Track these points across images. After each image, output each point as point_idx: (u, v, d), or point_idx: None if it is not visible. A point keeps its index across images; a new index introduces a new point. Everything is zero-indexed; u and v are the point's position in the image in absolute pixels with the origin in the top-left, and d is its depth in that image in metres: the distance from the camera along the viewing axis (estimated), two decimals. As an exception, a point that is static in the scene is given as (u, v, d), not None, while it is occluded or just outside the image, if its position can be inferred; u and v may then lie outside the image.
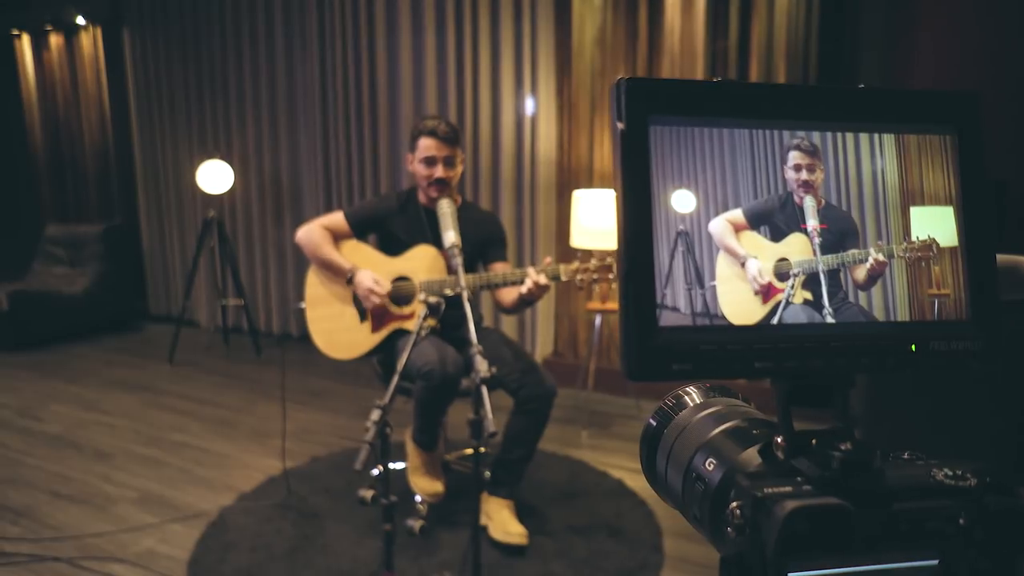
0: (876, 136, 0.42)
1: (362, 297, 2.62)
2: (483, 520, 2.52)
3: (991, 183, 0.42)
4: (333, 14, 4.73)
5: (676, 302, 0.39)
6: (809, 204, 0.42)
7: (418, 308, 2.59)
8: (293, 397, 3.99)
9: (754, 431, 0.46)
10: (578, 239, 3.60)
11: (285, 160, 5.21)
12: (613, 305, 3.86)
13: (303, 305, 2.77)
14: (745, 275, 0.41)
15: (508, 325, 4.36)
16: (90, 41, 6.07)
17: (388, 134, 4.69)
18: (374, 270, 2.67)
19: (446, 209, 2.27)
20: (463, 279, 2.11)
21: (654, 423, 0.53)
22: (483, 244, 2.76)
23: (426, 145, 2.64)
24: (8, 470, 3.19)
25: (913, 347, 0.41)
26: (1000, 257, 0.43)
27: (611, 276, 2.52)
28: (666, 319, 0.39)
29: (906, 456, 0.41)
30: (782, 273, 0.41)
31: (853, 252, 0.42)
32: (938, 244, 0.42)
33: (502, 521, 2.53)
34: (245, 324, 5.19)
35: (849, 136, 0.42)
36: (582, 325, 4.33)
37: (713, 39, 3.77)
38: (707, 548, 2.51)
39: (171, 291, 6.00)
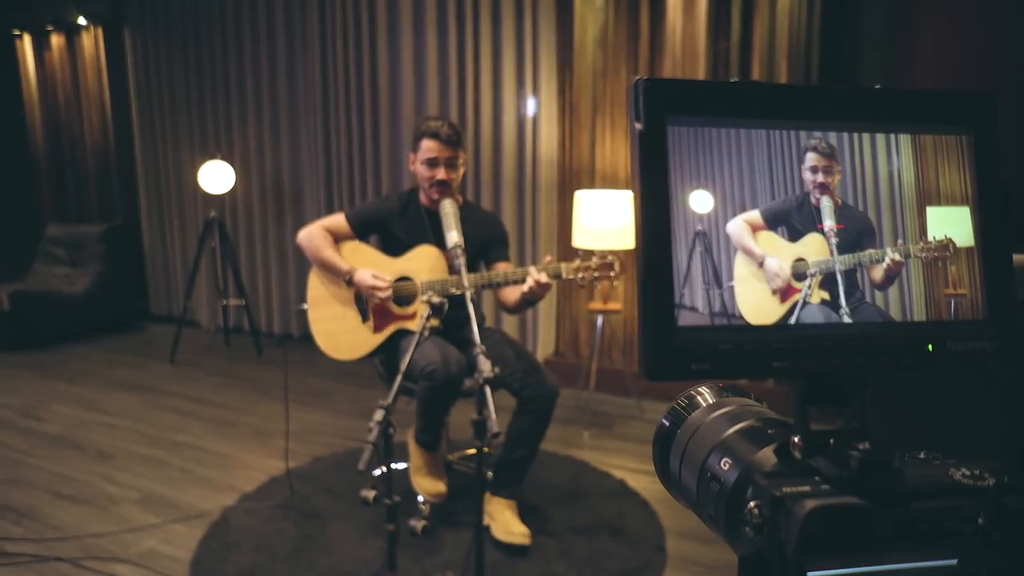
0: (893, 136, 0.42)
1: (366, 295, 2.62)
2: (485, 520, 2.52)
3: (1007, 183, 0.42)
4: (334, 14, 4.73)
5: (694, 302, 0.40)
6: (826, 204, 0.42)
7: (420, 308, 2.59)
8: (294, 397, 3.98)
9: (769, 431, 0.46)
10: (579, 239, 3.60)
11: (286, 160, 5.21)
12: (615, 305, 3.86)
13: (305, 306, 2.77)
14: (763, 275, 0.41)
15: (509, 325, 4.36)
16: (91, 41, 6.07)
17: (389, 134, 4.69)
18: (376, 270, 2.67)
19: (449, 210, 2.27)
20: (466, 279, 2.11)
21: (667, 423, 0.53)
22: (485, 244, 2.76)
23: (428, 147, 2.64)
24: (10, 470, 3.19)
25: (930, 347, 0.41)
26: (1016, 257, 0.44)
27: (612, 274, 2.53)
28: (684, 319, 0.39)
29: (922, 456, 0.41)
30: (799, 273, 0.41)
31: (870, 252, 0.42)
32: (954, 244, 0.42)
33: (505, 521, 2.53)
34: (246, 324, 5.19)
35: (866, 136, 0.42)
36: (584, 325, 4.33)
37: (715, 39, 3.77)
38: (709, 548, 2.52)
39: (172, 291, 6.00)
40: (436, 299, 2.02)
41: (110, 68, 5.99)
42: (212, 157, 4.95)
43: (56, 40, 6.24)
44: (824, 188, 0.42)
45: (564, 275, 2.48)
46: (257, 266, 5.46)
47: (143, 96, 5.77)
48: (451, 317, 2.14)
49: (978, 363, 0.42)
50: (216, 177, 4.88)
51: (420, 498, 2.62)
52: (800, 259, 0.42)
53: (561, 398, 2.62)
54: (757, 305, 0.41)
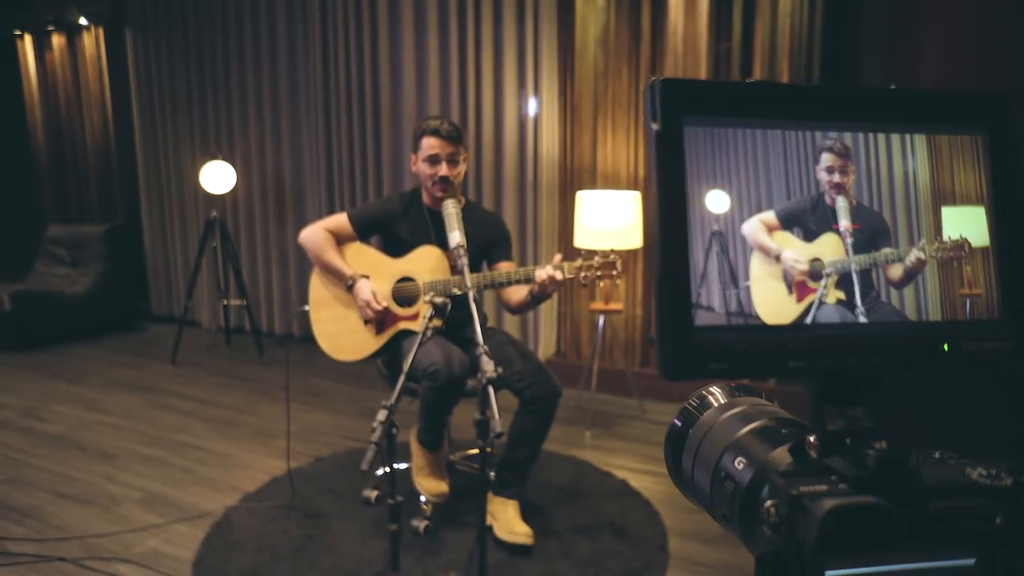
0: (908, 137, 0.42)
1: (359, 308, 2.63)
2: (488, 520, 2.52)
3: (1023, 183, 0.43)
4: (335, 14, 4.73)
5: (711, 302, 0.40)
6: (841, 204, 0.42)
7: (423, 309, 2.59)
8: (296, 398, 3.99)
9: (783, 430, 0.46)
10: (581, 239, 3.60)
11: (287, 160, 5.21)
12: (616, 306, 3.86)
13: (307, 308, 2.77)
14: (779, 274, 0.41)
15: (511, 325, 4.36)
16: (92, 41, 6.07)
17: (391, 134, 4.69)
18: (378, 271, 2.67)
19: (451, 210, 2.27)
20: (469, 279, 2.11)
21: (679, 423, 0.54)
22: (488, 244, 2.76)
23: (429, 144, 2.64)
24: (12, 470, 3.19)
25: (946, 347, 0.41)
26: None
27: (614, 273, 2.52)
28: (701, 319, 0.39)
29: (937, 456, 0.41)
30: (815, 273, 0.42)
31: (885, 252, 0.42)
32: (970, 244, 0.42)
33: (507, 521, 2.53)
34: (247, 324, 5.19)
35: (881, 137, 0.42)
36: (585, 325, 4.34)
37: (716, 40, 3.77)
38: (712, 548, 2.52)
39: (173, 291, 6.00)
40: (439, 299, 2.02)
41: (111, 68, 6.00)
42: (213, 157, 4.95)
43: (57, 40, 6.24)
44: (839, 188, 0.42)
45: (566, 274, 2.48)
46: (258, 266, 5.46)
47: (144, 96, 5.77)
48: (453, 317, 2.14)
49: (993, 363, 0.42)
50: (217, 177, 4.88)
51: (422, 498, 2.62)
52: (816, 259, 0.42)
53: (562, 398, 2.62)
54: (773, 305, 0.41)
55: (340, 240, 2.74)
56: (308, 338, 3.12)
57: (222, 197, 5.15)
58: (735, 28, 3.70)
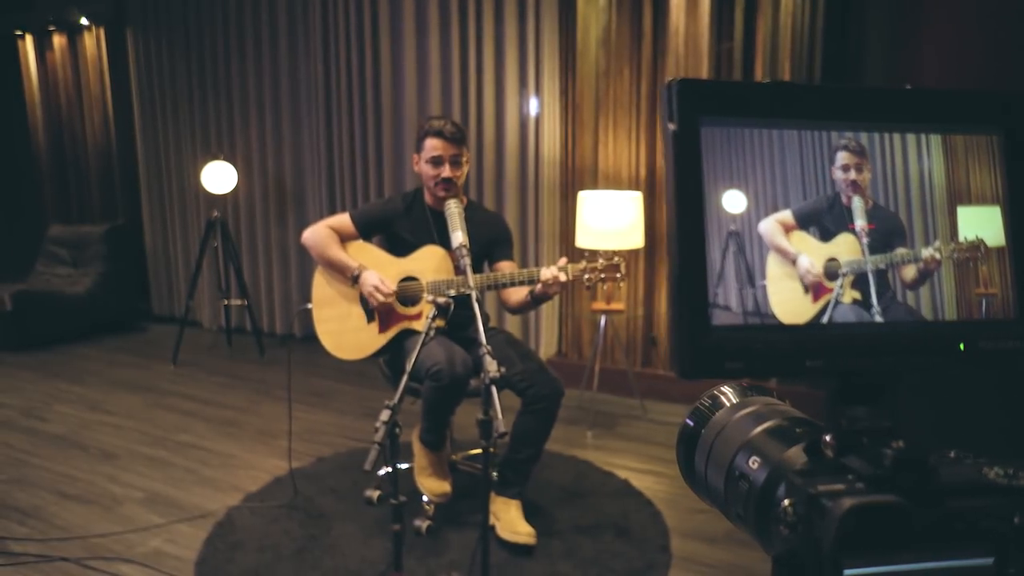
0: (923, 136, 0.42)
1: (366, 295, 2.62)
2: (490, 520, 2.52)
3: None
4: (337, 14, 4.73)
5: (728, 301, 0.40)
6: (857, 204, 0.42)
7: (426, 308, 2.59)
8: (297, 398, 3.99)
9: (797, 429, 0.46)
10: (583, 239, 3.60)
11: (288, 160, 5.21)
12: (618, 306, 3.86)
13: (309, 306, 2.77)
14: (795, 274, 0.41)
15: (512, 325, 4.36)
16: (93, 42, 6.07)
17: (392, 134, 4.69)
18: (381, 270, 2.67)
19: (454, 209, 2.27)
20: (472, 279, 2.11)
21: (691, 423, 0.54)
22: (489, 244, 2.76)
23: (433, 145, 2.64)
24: (14, 470, 3.19)
25: (962, 346, 0.41)
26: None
27: (618, 275, 2.52)
28: (718, 318, 0.39)
29: (952, 455, 0.41)
30: (831, 273, 0.42)
31: (901, 252, 0.42)
32: (985, 244, 0.42)
33: (510, 521, 2.53)
34: (248, 324, 5.19)
35: (896, 137, 0.42)
36: (586, 326, 4.34)
37: (718, 40, 3.77)
38: (714, 548, 2.52)
39: (174, 291, 6.00)
40: (442, 299, 2.02)
41: (112, 68, 5.99)
42: (214, 157, 4.95)
43: (58, 40, 6.24)
44: (855, 188, 0.42)
45: (570, 276, 2.48)
46: (259, 266, 5.46)
47: (145, 96, 5.77)
48: (456, 317, 2.14)
49: (1010, 362, 0.42)
50: (218, 177, 4.88)
51: (425, 498, 2.62)
52: (832, 259, 0.42)
53: (564, 398, 2.62)
54: (789, 304, 0.41)
55: (342, 239, 2.74)
56: (309, 338, 3.12)
57: (223, 197, 5.15)
58: (737, 28, 3.70)
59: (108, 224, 5.89)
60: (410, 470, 2.73)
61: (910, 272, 0.42)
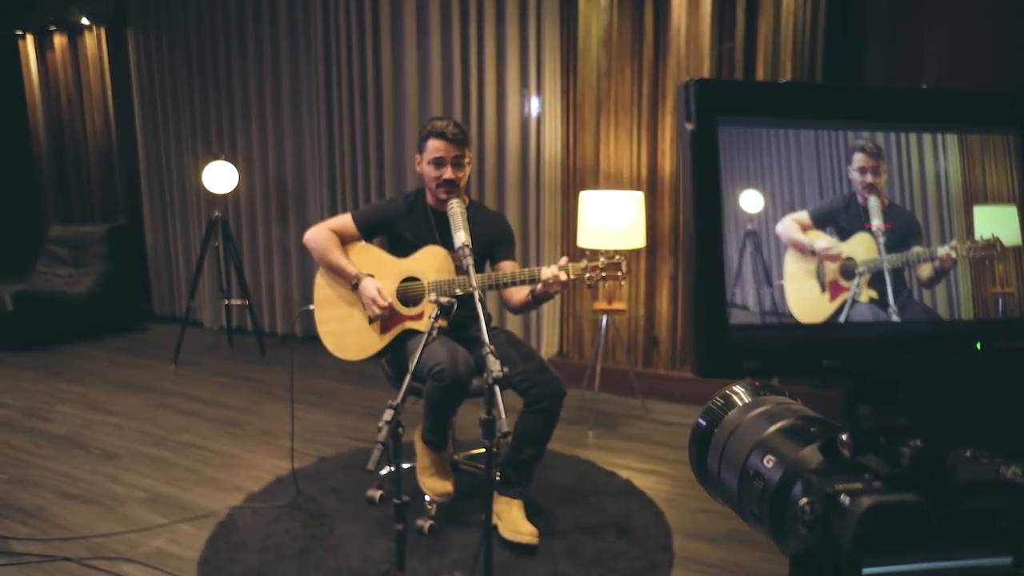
0: (939, 136, 0.43)
1: (364, 304, 2.63)
2: (493, 520, 2.52)
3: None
4: (338, 14, 4.73)
5: (745, 300, 0.40)
6: (873, 204, 0.42)
7: (428, 308, 2.59)
8: (299, 398, 3.99)
9: (811, 429, 0.46)
10: (584, 239, 3.60)
11: (289, 160, 5.21)
12: (619, 305, 3.87)
13: (311, 307, 2.77)
14: (812, 273, 0.41)
15: (513, 325, 4.36)
16: (94, 41, 6.07)
17: (393, 135, 4.69)
18: (383, 271, 2.67)
19: (456, 209, 2.27)
20: (475, 279, 2.11)
21: (703, 423, 0.54)
22: (491, 244, 2.76)
23: (435, 146, 2.64)
24: (16, 470, 3.19)
25: (979, 345, 0.41)
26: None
27: (619, 274, 2.52)
28: (736, 317, 0.40)
29: (968, 454, 0.41)
30: (848, 272, 0.42)
31: (917, 250, 0.42)
32: (1001, 243, 0.42)
33: (512, 521, 2.53)
34: (249, 324, 5.19)
35: (912, 136, 0.42)
36: (588, 325, 4.34)
37: (719, 40, 3.77)
38: (716, 548, 2.52)
39: (175, 291, 5.99)
40: (445, 299, 2.02)
41: (113, 68, 5.99)
42: (215, 157, 4.95)
43: (59, 40, 6.24)
44: (872, 188, 0.42)
45: (571, 275, 2.48)
46: (260, 266, 5.46)
47: (146, 96, 5.77)
48: (457, 317, 2.14)
49: (1027, 361, 0.42)
50: (219, 177, 4.88)
51: (427, 498, 2.62)
52: (849, 258, 0.42)
53: (566, 398, 2.62)
54: (807, 303, 0.41)
55: (344, 240, 2.74)
56: (310, 338, 3.11)
57: (224, 197, 5.15)
58: (738, 28, 3.70)
59: (109, 224, 5.89)
60: (412, 470, 2.73)
61: (926, 271, 0.42)
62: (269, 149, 5.24)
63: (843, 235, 0.42)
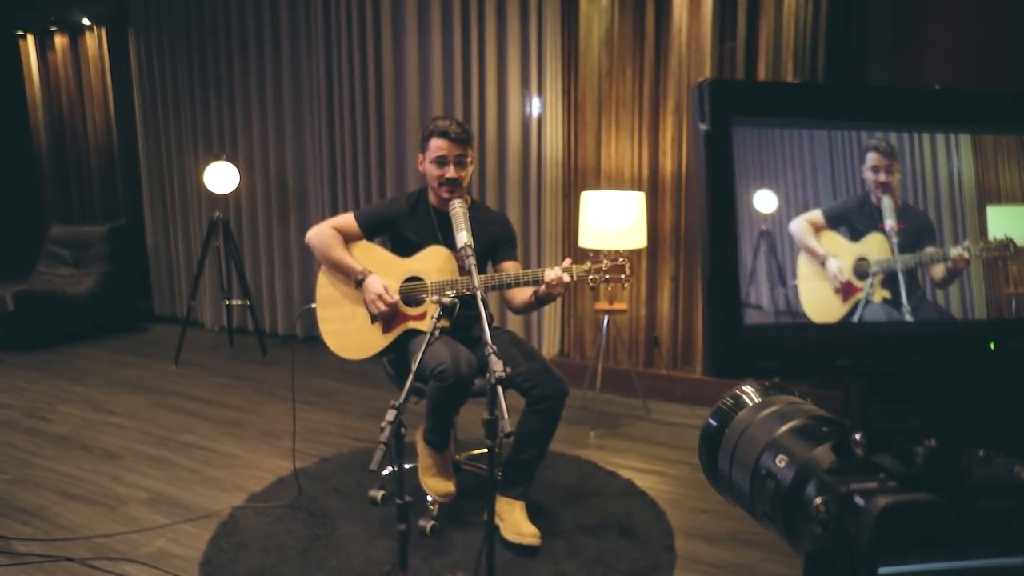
0: (952, 136, 0.43)
1: (368, 302, 2.63)
2: (495, 520, 2.52)
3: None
4: (339, 14, 4.73)
5: (759, 300, 0.40)
6: (887, 204, 0.42)
7: (430, 308, 2.60)
8: (300, 398, 3.99)
9: (823, 428, 0.46)
10: (586, 240, 3.60)
11: (290, 161, 5.21)
12: (620, 306, 3.87)
13: (313, 306, 2.77)
14: (825, 274, 0.41)
15: (514, 325, 4.36)
16: (95, 42, 6.07)
17: (394, 135, 4.69)
18: (386, 270, 2.67)
19: (458, 209, 2.27)
20: (477, 280, 2.11)
21: (714, 423, 0.54)
22: (493, 244, 2.76)
23: (438, 145, 2.64)
24: (18, 470, 3.19)
25: (992, 345, 0.41)
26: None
27: (623, 276, 2.52)
28: (750, 317, 0.40)
29: (981, 454, 0.41)
30: (861, 272, 0.42)
31: (930, 251, 0.42)
32: (1015, 243, 0.42)
33: (514, 521, 2.53)
34: (250, 325, 5.19)
35: (926, 136, 0.42)
36: (589, 326, 4.34)
37: (720, 40, 3.77)
38: (718, 548, 2.52)
39: (176, 292, 5.99)
40: (447, 299, 2.02)
41: (114, 68, 5.99)
42: (216, 157, 4.95)
43: (60, 41, 6.24)
44: (885, 188, 0.42)
45: (574, 277, 2.48)
46: (261, 266, 5.46)
47: (147, 96, 5.77)
48: (460, 317, 2.14)
49: (1041, 361, 0.42)
50: (220, 177, 4.88)
51: (429, 498, 2.62)
52: (862, 258, 0.42)
53: (567, 398, 2.62)
54: (820, 303, 0.41)
55: (346, 239, 2.74)
56: (311, 338, 3.12)
57: (225, 197, 5.15)
58: (739, 28, 3.71)
59: (110, 224, 5.89)
60: (414, 470, 2.73)
61: (939, 271, 0.42)
62: (270, 149, 5.24)
63: (856, 235, 0.42)
